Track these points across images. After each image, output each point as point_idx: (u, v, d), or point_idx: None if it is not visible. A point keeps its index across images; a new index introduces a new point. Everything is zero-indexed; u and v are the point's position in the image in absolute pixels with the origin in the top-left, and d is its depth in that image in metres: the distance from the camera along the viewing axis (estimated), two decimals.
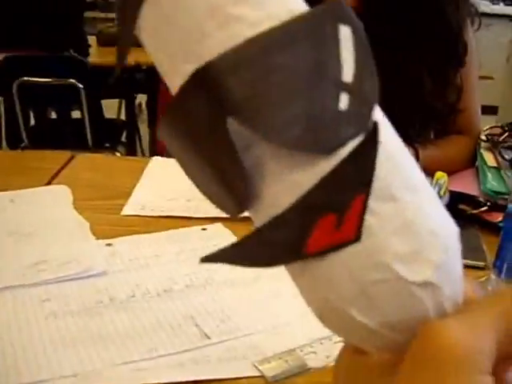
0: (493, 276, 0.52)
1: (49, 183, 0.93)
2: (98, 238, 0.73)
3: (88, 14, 3.83)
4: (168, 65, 0.30)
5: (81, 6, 2.79)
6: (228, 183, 0.28)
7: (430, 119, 1.05)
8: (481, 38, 1.08)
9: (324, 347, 0.53)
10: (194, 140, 0.28)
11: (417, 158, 0.98)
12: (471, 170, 1.00)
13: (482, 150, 1.00)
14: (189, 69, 0.26)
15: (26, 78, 2.37)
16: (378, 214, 0.27)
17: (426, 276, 0.27)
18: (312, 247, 0.27)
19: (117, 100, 3.48)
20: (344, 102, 0.27)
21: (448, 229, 0.29)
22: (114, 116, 3.41)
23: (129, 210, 0.82)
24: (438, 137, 1.12)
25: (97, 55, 2.85)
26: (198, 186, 0.30)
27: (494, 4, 5.42)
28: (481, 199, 0.86)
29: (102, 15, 5.48)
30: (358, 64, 0.28)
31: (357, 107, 0.27)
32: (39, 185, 0.91)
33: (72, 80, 2.38)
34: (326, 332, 0.55)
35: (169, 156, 2.78)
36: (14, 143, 2.57)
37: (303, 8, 0.28)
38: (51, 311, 0.58)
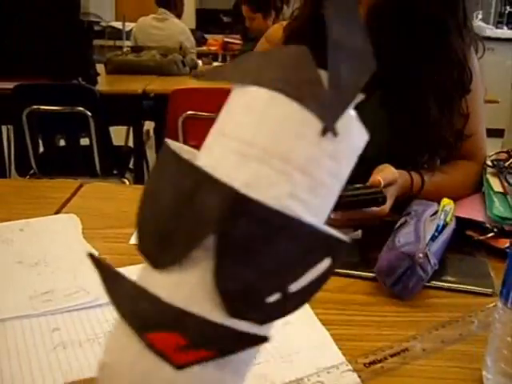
0: (499, 304, 0.52)
1: (58, 212, 0.94)
2: None
3: (96, 42, 3.88)
4: None
5: (89, 35, 2.83)
6: None
7: (437, 147, 1.05)
8: (485, 62, 1.09)
9: (331, 377, 0.53)
10: None
11: (422, 184, 0.98)
12: (477, 195, 1.00)
13: (488, 176, 1.00)
14: None
15: (35, 107, 2.40)
16: (204, 371, 0.34)
17: None
18: (153, 339, 0.33)
19: (124, 127, 3.52)
20: (272, 299, 0.33)
21: None
22: (122, 143, 3.44)
23: None
24: (443, 162, 1.13)
25: (105, 83, 2.89)
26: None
27: (497, 28, 5.46)
28: (487, 225, 0.86)
29: (111, 43, 5.55)
30: (308, 288, 0.34)
31: (276, 309, 0.34)
32: (49, 214, 0.92)
33: (80, 108, 2.41)
34: (334, 361, 0.55)
35: None
36: (23, 170, 2.59)
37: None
38: (60, 341, 0.59)
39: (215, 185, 0.31)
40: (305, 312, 0.64)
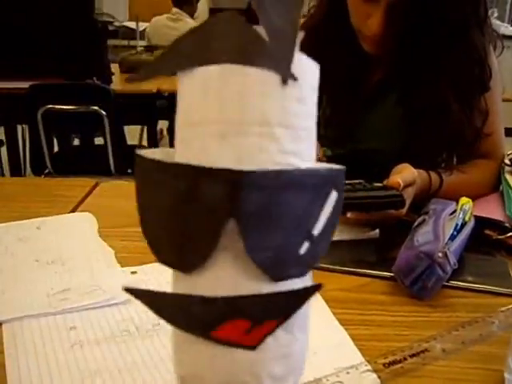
0: None
1: (74, 210, 0.94)
2: (122, 266, 0.74)
3: (110, 42, 3.89)
4: None
5: (104, 35, 2.84)
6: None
7: (456, 145, 1.04)
8: (501, 61, 1.08)
9: (350, 377, 0.53)
10: None
11: (440, 183, 0.97)
12: (496, 194, 0.99)
13: (506, 175, 0.99)
14: None
15: (50, 106, 2.41)
16: (276, 339, 0.35)
17: None
18: (220, 335, 0.34)
19: (139, 126, 3.53)
20: (304, 248, 0.34)
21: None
22: (136, 142, 3.45)
23: None
24: (461, 161, 1.12)
25: (119, 82, 2.90)
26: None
27: None
28: (506, 224, 0.85)
29: (124, 43, 5.57)
30: (327, 224, 0.35)
31: (310, 256, 0.35)
32: (64, 212, 0.92)
33: (95, 107, 2.42)
34: (353, 362, 0.55)
35: None
36: (38, 170, 2.61)
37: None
38: (77, 339, 0.59)
39: (210, 174, 0.32)
40: (323, 312, 0.64)
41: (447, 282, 0.70)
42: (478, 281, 0.73)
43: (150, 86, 2.75)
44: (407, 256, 0.69)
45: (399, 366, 0.55)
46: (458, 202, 0.83)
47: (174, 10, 4.07)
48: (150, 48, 3.53)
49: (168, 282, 0.69)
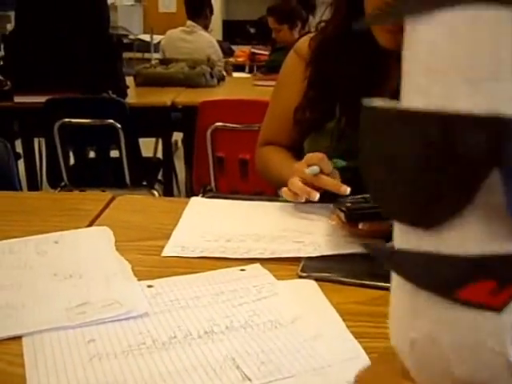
0: None
1: (91, 224, 0.95)
2: (139, 279, 0.75)
3: (125, 55, 3.93)
4: None
5: (119, 49, 2.87)
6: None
7: None
8: None
9: None
10: None
11: None
12: None
13: None
14: None
15: (66, 120, 2.44)
16: None
17: None
18: (464, 295, 0.32)
19: (153, 139, 3.56)
20: None
21: None
22: (151, 154, 3.48)
23: (169, 251, 0.84)
24: None
25: (134, 95, 2.93)
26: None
27: None
28: None
29: (139, 55, 5.62)
30: None
31: None
32: (82, 226, 0.94)
33: (110, 120, 2.44)
34: None
35: (205, 194, 2.75)
36: (54, 182, 2.64)
37: None
38: (96, 352, 0.60)
39: (470, 121, 0.29)
40: (337, 325, 0.65)
41: None
42: None
43: (165, 98, 2.77)
44: None
45: None
46: None
47: (189, 22, 4.10)
48: (164, 61, 3.56)
49: (183, 295, 0.70)
